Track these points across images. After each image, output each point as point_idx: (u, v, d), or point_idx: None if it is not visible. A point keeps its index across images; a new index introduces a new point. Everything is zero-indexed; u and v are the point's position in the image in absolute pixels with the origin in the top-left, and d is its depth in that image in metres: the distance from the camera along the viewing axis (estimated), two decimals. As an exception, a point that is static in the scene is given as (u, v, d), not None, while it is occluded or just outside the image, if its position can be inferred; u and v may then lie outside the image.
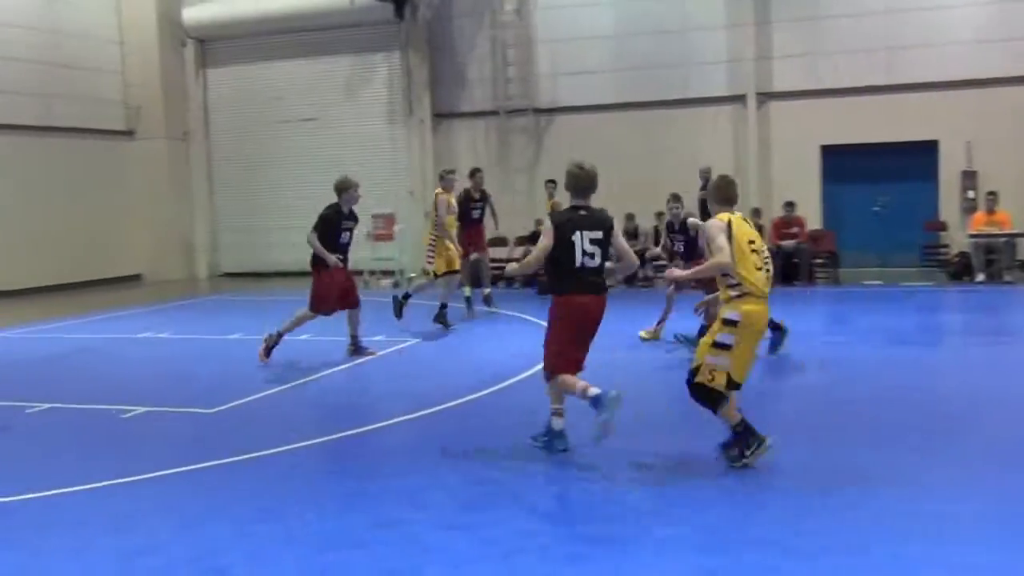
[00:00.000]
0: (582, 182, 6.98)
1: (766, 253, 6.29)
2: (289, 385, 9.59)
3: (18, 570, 4.98)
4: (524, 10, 20.26)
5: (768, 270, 6.23)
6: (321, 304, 10.66)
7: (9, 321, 15.08)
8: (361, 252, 19.65)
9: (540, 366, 7.00)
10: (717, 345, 6.10)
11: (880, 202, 18.91)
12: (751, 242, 6.18)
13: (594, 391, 6.32)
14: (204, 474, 6.63)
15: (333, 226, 10.62)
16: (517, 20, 20.35)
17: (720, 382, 6.10)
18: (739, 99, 19.24)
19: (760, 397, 8.13)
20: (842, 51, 18.53)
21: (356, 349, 11.04)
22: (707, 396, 6.19)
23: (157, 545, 5.25)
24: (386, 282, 19.42)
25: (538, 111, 20.49)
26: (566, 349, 6.70)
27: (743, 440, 6.15)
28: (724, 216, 6.26)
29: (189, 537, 5.36)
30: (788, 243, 17.30)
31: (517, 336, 12.36)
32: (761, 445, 6.13)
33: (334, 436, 7.51)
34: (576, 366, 6.72)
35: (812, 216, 18.64)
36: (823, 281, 17.56)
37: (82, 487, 6.36)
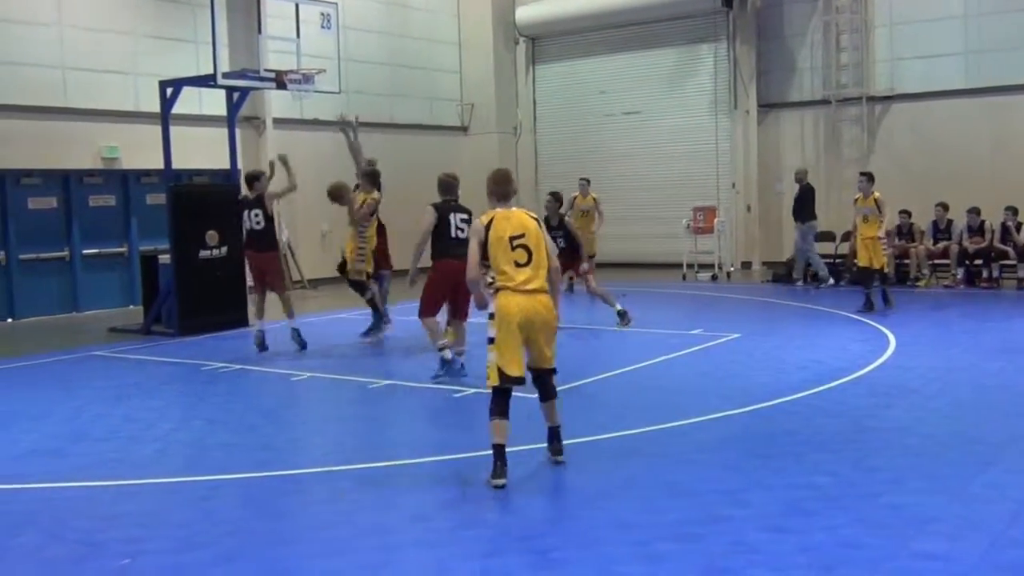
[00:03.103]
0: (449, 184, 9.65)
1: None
2: (608, 375, 9.79)
3: (377, 528, 5.46)
4: (861, -8, 19.33)
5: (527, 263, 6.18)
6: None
7: (360, 303, 16.50)
8: (681, 244, 19.72)
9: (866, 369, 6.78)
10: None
11: None
12: (519, 236, 6.21)
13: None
14: (530, 455, 6.91)
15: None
16: (853, 4, 19.42)
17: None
18: (1112, 81, 17.24)
19: None
20: None
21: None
22: None
23: (486, 519, 5.56)
24: (704, 275, 19.27)
25: (872, 99, 19.46)
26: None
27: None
28: (486, 216, 6.35)
29: (516, 517, 5.62)
30: None
31: (842, 335, 11.88)
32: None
33: (654, 427, 7.58)
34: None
35: None
36: None
37: (425, 459, 6.87)
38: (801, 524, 5.30)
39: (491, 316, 6.26)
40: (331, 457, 7.08)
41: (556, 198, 13.49)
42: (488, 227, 6.28)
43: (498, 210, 6.39)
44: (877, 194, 13.83)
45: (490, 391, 6.31)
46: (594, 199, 16.95)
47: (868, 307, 13.60)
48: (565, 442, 6.69)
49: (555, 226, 12.67)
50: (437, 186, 9.72)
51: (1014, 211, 16.41)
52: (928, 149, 18.74)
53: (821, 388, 8.86)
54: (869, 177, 14.17)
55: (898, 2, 19.06)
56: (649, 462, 6.66)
